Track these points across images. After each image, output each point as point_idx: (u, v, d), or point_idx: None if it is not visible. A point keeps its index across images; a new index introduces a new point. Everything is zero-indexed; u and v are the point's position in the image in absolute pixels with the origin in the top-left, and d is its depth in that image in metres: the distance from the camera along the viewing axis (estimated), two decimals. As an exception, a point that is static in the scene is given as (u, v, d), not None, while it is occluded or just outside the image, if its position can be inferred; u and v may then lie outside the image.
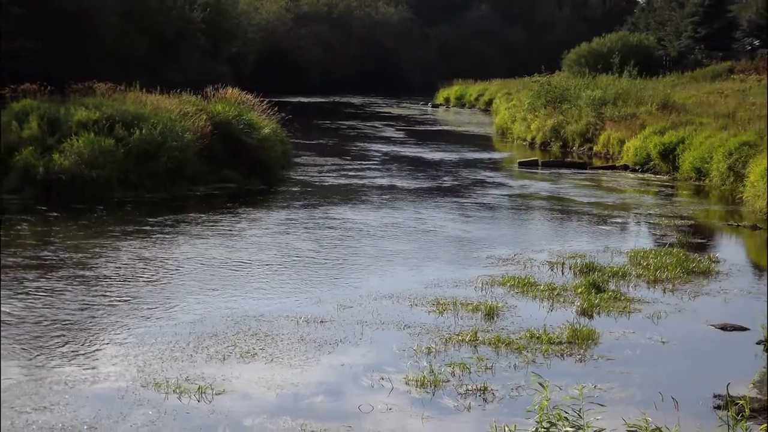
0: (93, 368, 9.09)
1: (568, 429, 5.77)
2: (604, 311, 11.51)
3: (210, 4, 53.79)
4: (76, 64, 33.89)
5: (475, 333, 10.30)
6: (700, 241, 17.07)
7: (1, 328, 10.23)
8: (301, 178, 24.61)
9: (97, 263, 13.53)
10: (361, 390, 8.74)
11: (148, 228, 16.40)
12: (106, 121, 20.57)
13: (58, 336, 10.07)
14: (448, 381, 8.89)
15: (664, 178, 25.87)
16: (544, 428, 5.82)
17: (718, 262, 14.66)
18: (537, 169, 27.96)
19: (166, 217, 17.50)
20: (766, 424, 5.95)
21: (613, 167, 27.98)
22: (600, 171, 27.56)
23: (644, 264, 14.07)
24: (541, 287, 12.50)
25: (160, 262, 13.74)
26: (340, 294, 12.18)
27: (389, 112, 57.29)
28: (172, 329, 10.37)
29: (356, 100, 69.09)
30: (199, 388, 8.52)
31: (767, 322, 10.32)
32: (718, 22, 62.92)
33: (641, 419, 5.62)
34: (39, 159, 19.21)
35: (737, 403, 6.75)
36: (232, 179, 22.20)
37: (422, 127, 46.01)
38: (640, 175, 26.50)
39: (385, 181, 24.34)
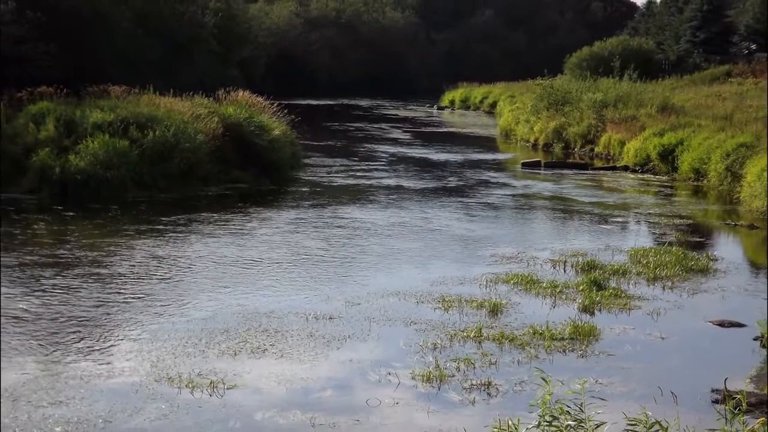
0: (108, 363, 9.27)
1: (569, 423, 5.85)
2: (605, 308, 11.69)
3: (221, 9, 54.02)
4: (91, 68, 34.10)
5: (480, 329, 10.47)
6: (698, 239, 17.25)
7: (17, 325, 10.45)
8: (311, 178, 24.80)
9: (111, 261, 13.74)
10: (368, 385, 8.90)
11: (161, 227, 16.62)
12: (121, 123, 20.84)
13: (73, 332, 10.26)
14: (454, 376, 9.05)
15: (664, 178, 26.04)
16: (547, 422, 5.88)
17: (716, 260, 14.83)
18: (540, 169, 28.12)
19: (179, 216, 17.72)
20: (762, 418, 6.07)
21: (613, 168, 28.16)
22: (601, 171, 27.71)
23: (644, 262, 14.25)
24: (544, 285, 12.67)
25: (173, 260, 13.94)
26: (348, 291, 12.37)
27: (396, 115, 57.36)
28: (184, 326, 10.54)
29: (364, 103, 69.10)
30: (211, 383, 8.69)
31: (767, 319, 10.47)
32: (716, 27, 62.92)
33: (641, 413, 5.68)
34: (55, 160, 19.50)
35: (735, 398, 6.78)
36: (243, 180, 22.46)
37: (428, 129, 46.11)
38: (640, 176, 26.67)
39: (392, 182, 24.51)
